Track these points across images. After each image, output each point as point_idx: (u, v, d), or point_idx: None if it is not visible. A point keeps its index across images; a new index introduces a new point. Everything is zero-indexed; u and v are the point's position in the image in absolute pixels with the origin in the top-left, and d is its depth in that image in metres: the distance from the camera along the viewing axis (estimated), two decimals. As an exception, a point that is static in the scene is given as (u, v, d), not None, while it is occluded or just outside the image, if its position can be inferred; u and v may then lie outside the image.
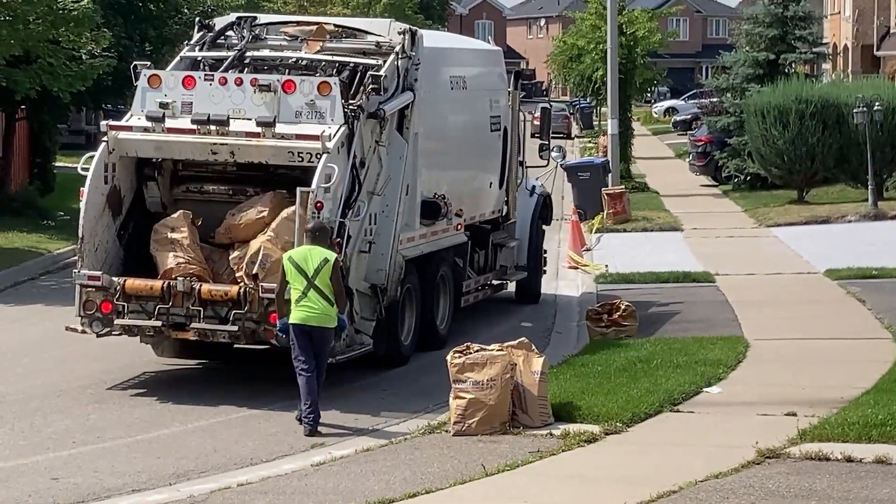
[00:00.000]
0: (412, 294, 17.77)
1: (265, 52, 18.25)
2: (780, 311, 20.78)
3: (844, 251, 26.24)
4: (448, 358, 13.98)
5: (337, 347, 15.34)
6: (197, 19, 19.36)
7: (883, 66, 55.84)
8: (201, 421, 14.81)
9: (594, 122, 67.51)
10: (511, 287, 22.43)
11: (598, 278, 24.65)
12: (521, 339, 14.51)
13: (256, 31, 18.40)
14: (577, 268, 26.36)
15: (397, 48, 17.59)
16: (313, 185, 15.42)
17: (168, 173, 17.26)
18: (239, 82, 16.51)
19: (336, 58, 17.88)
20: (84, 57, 29.02)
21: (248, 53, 18.10)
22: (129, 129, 16.65)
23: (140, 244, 16.63)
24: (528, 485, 11.91)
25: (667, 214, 35.00)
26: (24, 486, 12.37)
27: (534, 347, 14.46)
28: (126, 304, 15.90)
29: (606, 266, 25.59)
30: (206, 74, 16.85)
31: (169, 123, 16.47)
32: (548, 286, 23.75)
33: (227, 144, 16.31)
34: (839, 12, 62.14)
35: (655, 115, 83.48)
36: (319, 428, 14.11)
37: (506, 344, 14.25)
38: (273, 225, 15.99)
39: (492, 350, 13.98)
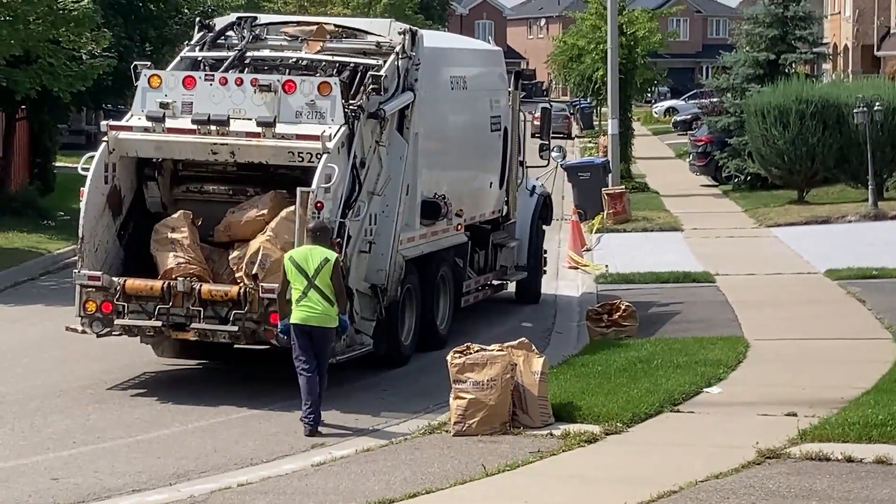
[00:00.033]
0: (412, 294, 17.76)
1: (265, 53, 18.25)
2: (780, 312, 20.77)
3: (845, 251, 26.23)
4: (448, 358, 13.97)
5: (337, 348, 15.34)
6: (197, 19, 19.36)
7: (883, 66, 55.81)
8: (201, 421, 14.80)
9: (594, 123, 67.48)
10: (511, 287, 22.42)
11: (598, 278, 24.65)
12: (521, 340, 14.50)
13: (257, 32, 18.39)
14: (578, 268, 26.35)
15: (397, 48, 17.59)
16: (313, 186, 15.41)
17: (168, 173, 17.26)
18: (239, 82, 16.50)
19: (336, 58, 17.87)
20: (84, 57, 29.02)
21: (249, 53, 18.09)
22: (130, 129, 16.65)
23: (140, 244, 16.62)
24: (529, 485, 11.90)
25: (667, 214, 34.98)
26: (24, 486, 12.36)
27: (534, 347, 14.45)
28: (126, 305, 15.89)
29: (606, 266, 25.58)
30: (206, 74, 16.84)
31: (169, 123, 16.46)
32: (548, 286, 23.73)
33: (227, 144, 16.30)
34: (839, 12, 62.13)
35: (656, 116, 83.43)
36: (319, 428, 14.10)
37: (506, 344, 14.24)
38: (272, 225, 15.99)
39: (492, 350, 13.97)
